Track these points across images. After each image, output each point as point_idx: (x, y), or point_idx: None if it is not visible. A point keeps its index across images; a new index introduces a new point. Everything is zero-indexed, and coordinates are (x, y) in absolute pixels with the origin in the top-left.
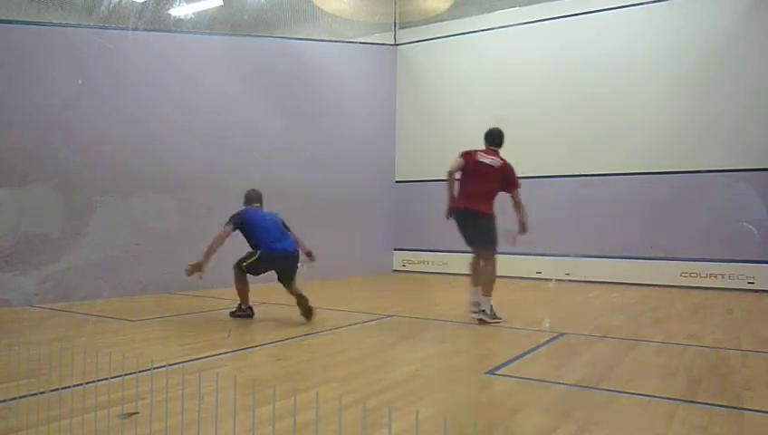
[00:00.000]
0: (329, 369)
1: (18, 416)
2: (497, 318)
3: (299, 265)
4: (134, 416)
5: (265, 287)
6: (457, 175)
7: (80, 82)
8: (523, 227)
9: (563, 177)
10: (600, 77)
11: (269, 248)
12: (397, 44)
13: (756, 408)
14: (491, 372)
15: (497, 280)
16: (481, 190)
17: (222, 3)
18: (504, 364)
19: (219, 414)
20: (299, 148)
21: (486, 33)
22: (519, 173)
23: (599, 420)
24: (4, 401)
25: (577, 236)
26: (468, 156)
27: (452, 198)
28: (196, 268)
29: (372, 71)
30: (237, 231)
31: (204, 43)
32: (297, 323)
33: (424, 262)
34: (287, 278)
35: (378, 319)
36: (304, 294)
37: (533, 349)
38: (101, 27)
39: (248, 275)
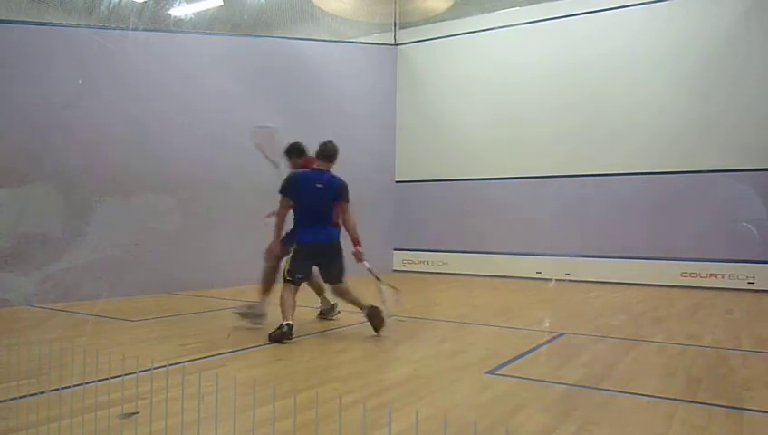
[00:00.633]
0: (329, 369)
1: (18, 416)
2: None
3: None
4: (134, 416)
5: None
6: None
7: (80, 82)
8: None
9: (563, 177)
10: (600, 77)
11: (299, 239)
12: (397, 44)
13: (756, 408)
14: (491, 372)
15: (497, 280)
16: None
17: (222, 3)
18: (504, 364)
19: (219, 414)
20: None
21: (486, 33)
22: (519, 173)
23: (598, 420)
24: (5, 401)
25: (577, 236)
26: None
27: None
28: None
29: (372, 71)
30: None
31: (204, 43)
32: (297, 323)
33: (424, 262)
34: (325, 277)
35: None
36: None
37: (533, 349)
38: (101, 27)
39: (295, 284)
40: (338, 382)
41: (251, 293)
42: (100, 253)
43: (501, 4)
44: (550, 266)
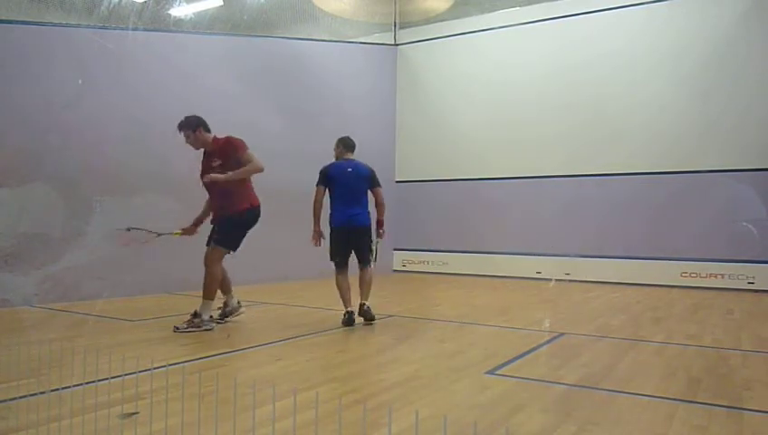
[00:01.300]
0: (329, 369)
1: (18, 416)
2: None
3: (373, 244)
4: (134, 416)
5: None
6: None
7: (80, 82)
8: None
9: (563, 177)
10: (600, 77)
11: (333, 224)
12: (397, 44)
13: (756, 408)
14: (491, 372)
15: (497, 280)
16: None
17: (222, 3)
18: (504, 364)
19: (219, 414)
20: (299, 148)
21: (486, 33)
22: (519, 173)
23: (598, 420)
24: (5, 401)
25: (577, 236)
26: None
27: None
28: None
29: (372, 71)
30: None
31: (204, 43)
32: (297, 323)
33: (424, 262)
34: (358, 260)
35: (378, 319)
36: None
37: (533, 349)
38: (101, 27)
39: (341, 268)
40: (338, 382)
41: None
42: (100, 253)
43: (501, 4)
44: (550, 266)
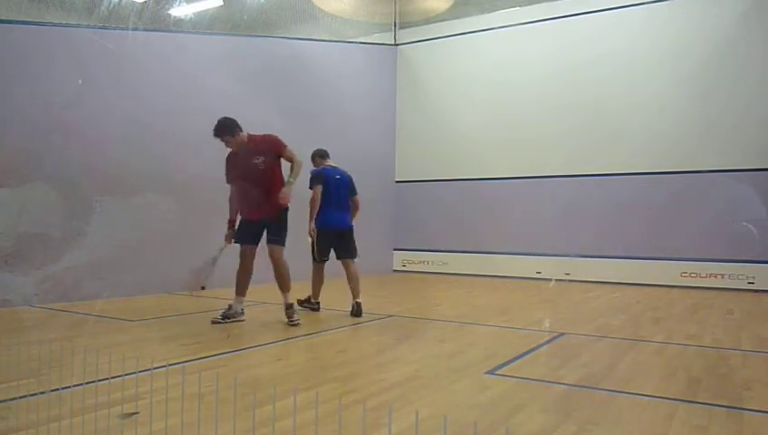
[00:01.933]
0: (329, 369)
1: (18, 416)
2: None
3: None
4: (134, 416)
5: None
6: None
7: (80, 82)
8: None
9: (563, 177)
10: (600, 77)
11: (324, 226)
12: (397, 44)
13: (756, 408)
14: (491, 372)
15: (497, 280)
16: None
17: (222, 3)
18: (504, 364)
19: (219, 414)
20: (299, 148)
21: (486, 33)
22: (519, 173)
23: (598, 420)
24: (5, 401)
25: (577, 236)
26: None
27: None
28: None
29: (372, 71)
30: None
31: (204, 43)
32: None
33: (424, 262)
34: (344, 256)
35: (378, 319)
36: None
37: (533, 349)
38: (101, 27)
39: (322, 264)
40: (338, 382)
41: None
42: (100, 253)
43: (501, 4)
44: (550, 266)
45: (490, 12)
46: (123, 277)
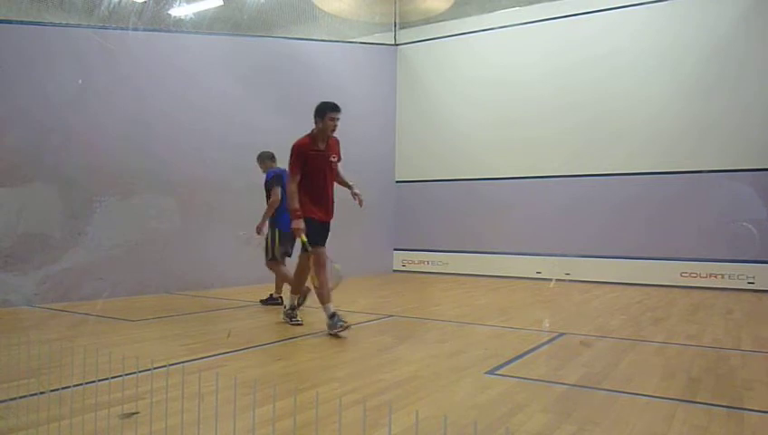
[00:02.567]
0: (329, 369)
1: (18, 416)
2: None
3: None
4: (134, 416)
5: (265, 287)
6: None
7: (80, 82)
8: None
9: (563, 177)
10: (600, 77)
11: (283, 226)
12: (397, 44)
13: (756, 408)
14: (491, 372)
15: (497, 280)
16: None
17: (222, 3)
18: (504, 364)
19: (219, 414)
20: None
21: (486, 33)
22: (519, 173)
23: (598, 420)
24: (5, 401)
25: (577, 236)
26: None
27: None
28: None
29: (372, 71)
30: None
31: (204, 43)
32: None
33: (424, 262)
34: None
35: (378, 319)
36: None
37: (533, 349)
38: (101, 27)
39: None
40: (338, 382)
41: (251, 292)
42: (100, 253)
43: (501, 4)
44: (550, 266)
45: (490, 12)
46: (123, 277)
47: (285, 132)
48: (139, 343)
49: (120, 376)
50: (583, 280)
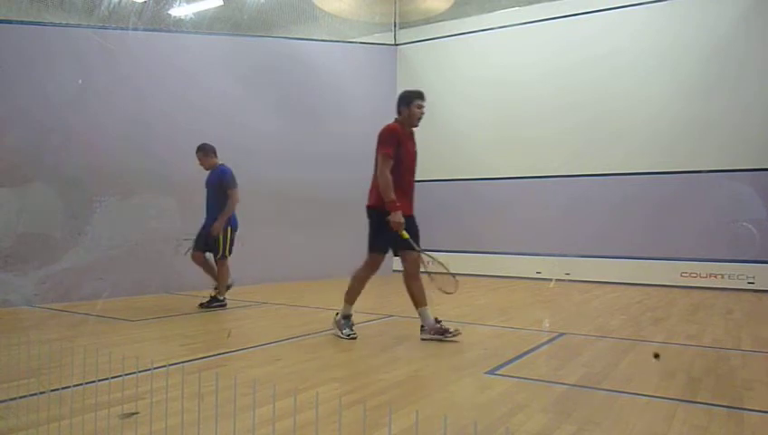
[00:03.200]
0: (329, 369)
1: (18, 416)
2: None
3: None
4: (134, 416)
5: (265, 287)
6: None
7: (80, 82)
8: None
9: (563, 177)
10: (600, 77)
11: (235, 225)
12: (397, 44)
13: (756, 408)
14: (491, 372)
15: (497, 280)
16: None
17: (222, 3)
18: (504, 364)
19: (219, 414)
20: (299, 148)
21: (486, 33)
22: (519, 173)
23: (599, 420)
24: (5, 401)
25: (577, 236)
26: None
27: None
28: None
29: (372, 71)
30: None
31: (204, 43)
32: (297, 323)
33: (424, 262)
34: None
35: (378, 319)
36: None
37: (533, 349)
38: (101, 27)
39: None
40: (338, 382)
41: (250, 291)
42: (100, 253)
43: (501, 4)
44: (550, 266)
45: (490, 12)
46: (123, 277)
47: (285, 132)
48: (138, 343)
49: (120, 376)
50: (583, 280)
